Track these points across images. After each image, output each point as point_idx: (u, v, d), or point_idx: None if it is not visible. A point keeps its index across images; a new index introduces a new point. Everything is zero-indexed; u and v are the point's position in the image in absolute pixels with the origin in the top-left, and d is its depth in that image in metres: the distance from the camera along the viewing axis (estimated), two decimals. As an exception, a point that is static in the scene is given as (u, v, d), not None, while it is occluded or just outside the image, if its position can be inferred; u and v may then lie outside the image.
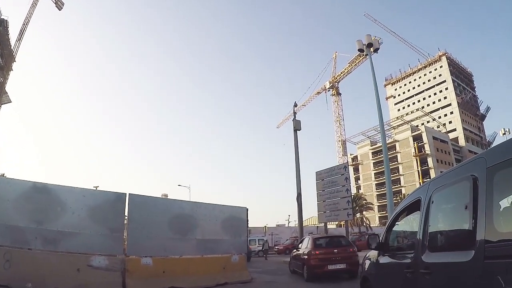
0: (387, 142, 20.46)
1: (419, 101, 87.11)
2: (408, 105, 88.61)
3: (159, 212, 9.70)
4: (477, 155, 2.34)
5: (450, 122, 79.98)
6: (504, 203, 2.00)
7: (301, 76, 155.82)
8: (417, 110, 78.78)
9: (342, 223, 31.83)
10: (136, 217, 9.20)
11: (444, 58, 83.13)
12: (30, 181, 7.96)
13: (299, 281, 10.84)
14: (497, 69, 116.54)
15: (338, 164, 27.32)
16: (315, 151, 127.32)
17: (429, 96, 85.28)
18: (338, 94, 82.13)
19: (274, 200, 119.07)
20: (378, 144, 73.43)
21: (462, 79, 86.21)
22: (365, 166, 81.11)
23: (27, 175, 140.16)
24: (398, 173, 71.17)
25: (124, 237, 9.07)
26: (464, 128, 78.31)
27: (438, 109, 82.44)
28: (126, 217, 9.12)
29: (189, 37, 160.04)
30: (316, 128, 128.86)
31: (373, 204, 62.55)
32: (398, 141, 74.06)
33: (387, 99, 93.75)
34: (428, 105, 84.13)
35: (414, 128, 73.13)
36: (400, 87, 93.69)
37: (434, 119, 79.21)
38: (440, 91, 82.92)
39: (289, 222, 56.99)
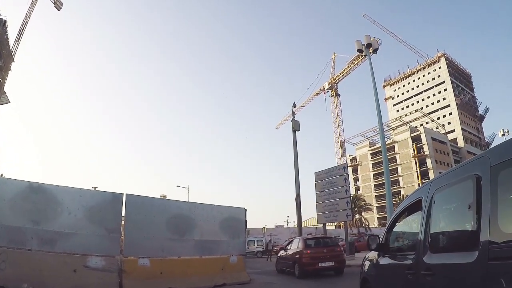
0: (386, 143, 20.41)
1: (418, 102, 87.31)
2: (407, 106, 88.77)
3: (156, 212, 9.63)
4: (481, 154, 2.29)
5: (449, 123, 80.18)
6: (509, 202, 1.94)
7: (300, 76, 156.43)
8: (416, 111, 78.93)
9: (341, 224, 31.78)
10: (133, 218, 9.13)
11: (443, 59, 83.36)
12: (26, 181, 7.89)
13: (299, 281, 10.82)
14: (496, 70, 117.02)
15: (337, 165, 27.29)
16: (314, 151, 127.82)
17: (428, 97, 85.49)
18: (337, 95, 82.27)
19: (273, 201, 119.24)
20: (377, 145, 73.54)
21: (461, 80, 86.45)
22: (364, 167, 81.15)
23: (27, 175, 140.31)
24: (397, 174, 71.29)
25: (121, 237, 8.99)
26: (463, 129, 78.52)
27: (437, 110, 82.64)
28: (123, 218, 9.04)
29: (189, 37, 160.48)
30: (315, 129, 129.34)
31: (372, 205, 62.52)
32: (397, 142, 74.17)
33: (386, 100, 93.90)
34: (427, 106, 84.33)
35: (413, 129, 73.25)
36: (399, 88, 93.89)
37: (433, 120, 79.37)
38: (439, 92, 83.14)
39: (288, 223, 57.07)
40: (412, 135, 71.90)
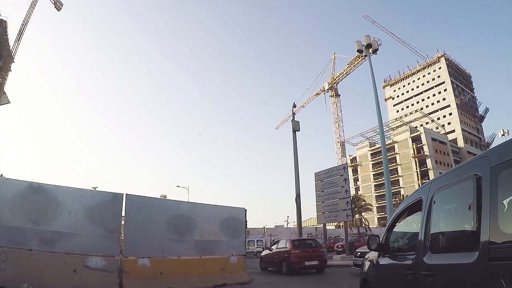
0: (386, 143, 20.42)
1: (418, 102, 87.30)
2: (407, 106, 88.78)
3: (156, 212, 9.61)
4: (481, 154, 2.29)
5: (449, 123, 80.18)
6: (509, 203, 1.94)
7: (301, 76, 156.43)
8: (416, 111, 78.85)
9: (341, 224, 31.79)
10: (133, 218, 9.12)
11: (443, 59, 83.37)
12: (26, 181, 7.87)
13: (299, 282, 10.83)
14: (496, 70, 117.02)
15: (337, 165, 27.29)
16: (314, 152, 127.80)
17: (428, 98, 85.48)
18: (337, 95, 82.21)
19: (273, 201, 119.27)
20: (377, 145, 73.53)
21: (461, 80, 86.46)
22: (364, 167, 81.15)
23: (27, 175, 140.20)
24: (397, 174, 71.28)
25: (121, 237, 8.99)
26: (463, 129, 78.52)
27: (437, 111, 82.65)
28: (124, 218, 9.04)
29: (189, 37, 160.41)
30: (315, 129, 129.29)
31: (372, 205, 62.49)
32: (397, 142, 74.16)
33: (386, 101, 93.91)
34: (427, 106, 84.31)
35: (413, 129, 73.24)
36: (399, 88, 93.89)
37: (433, 120, 79.34)
38: (439, 93, 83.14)
39: (288, 223, 57.08)
40: (412, 135, 71.90)
